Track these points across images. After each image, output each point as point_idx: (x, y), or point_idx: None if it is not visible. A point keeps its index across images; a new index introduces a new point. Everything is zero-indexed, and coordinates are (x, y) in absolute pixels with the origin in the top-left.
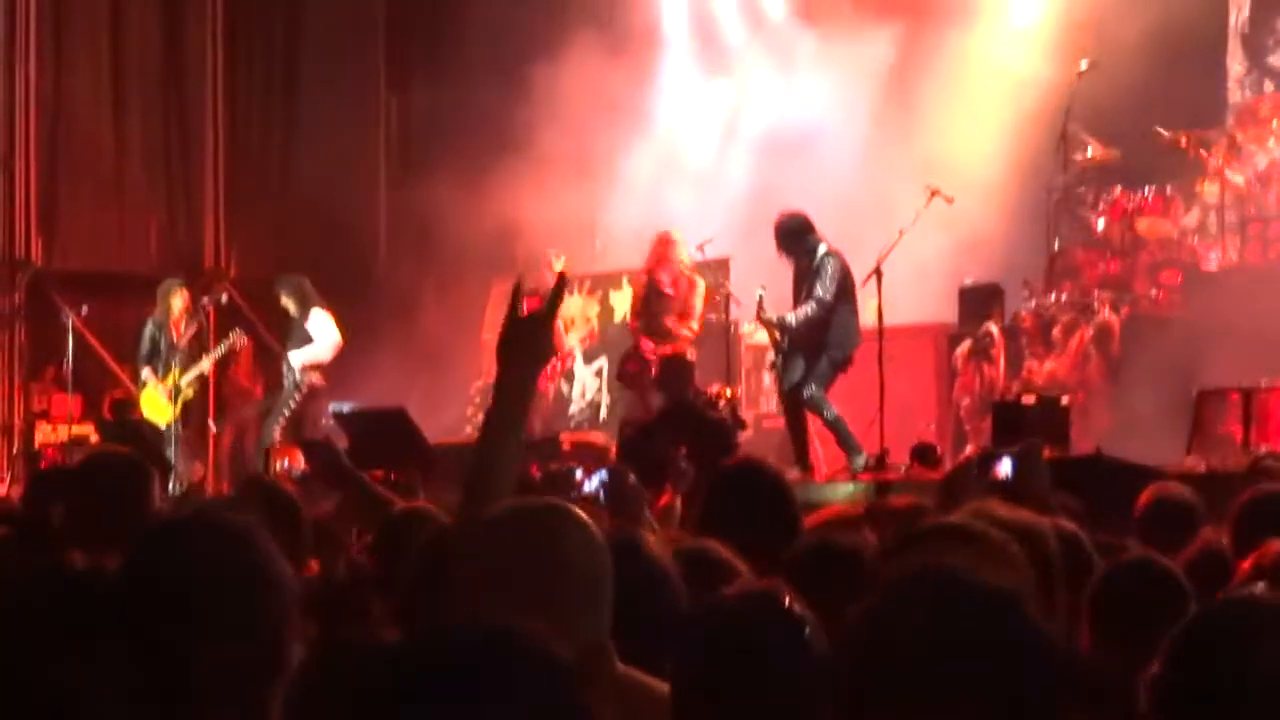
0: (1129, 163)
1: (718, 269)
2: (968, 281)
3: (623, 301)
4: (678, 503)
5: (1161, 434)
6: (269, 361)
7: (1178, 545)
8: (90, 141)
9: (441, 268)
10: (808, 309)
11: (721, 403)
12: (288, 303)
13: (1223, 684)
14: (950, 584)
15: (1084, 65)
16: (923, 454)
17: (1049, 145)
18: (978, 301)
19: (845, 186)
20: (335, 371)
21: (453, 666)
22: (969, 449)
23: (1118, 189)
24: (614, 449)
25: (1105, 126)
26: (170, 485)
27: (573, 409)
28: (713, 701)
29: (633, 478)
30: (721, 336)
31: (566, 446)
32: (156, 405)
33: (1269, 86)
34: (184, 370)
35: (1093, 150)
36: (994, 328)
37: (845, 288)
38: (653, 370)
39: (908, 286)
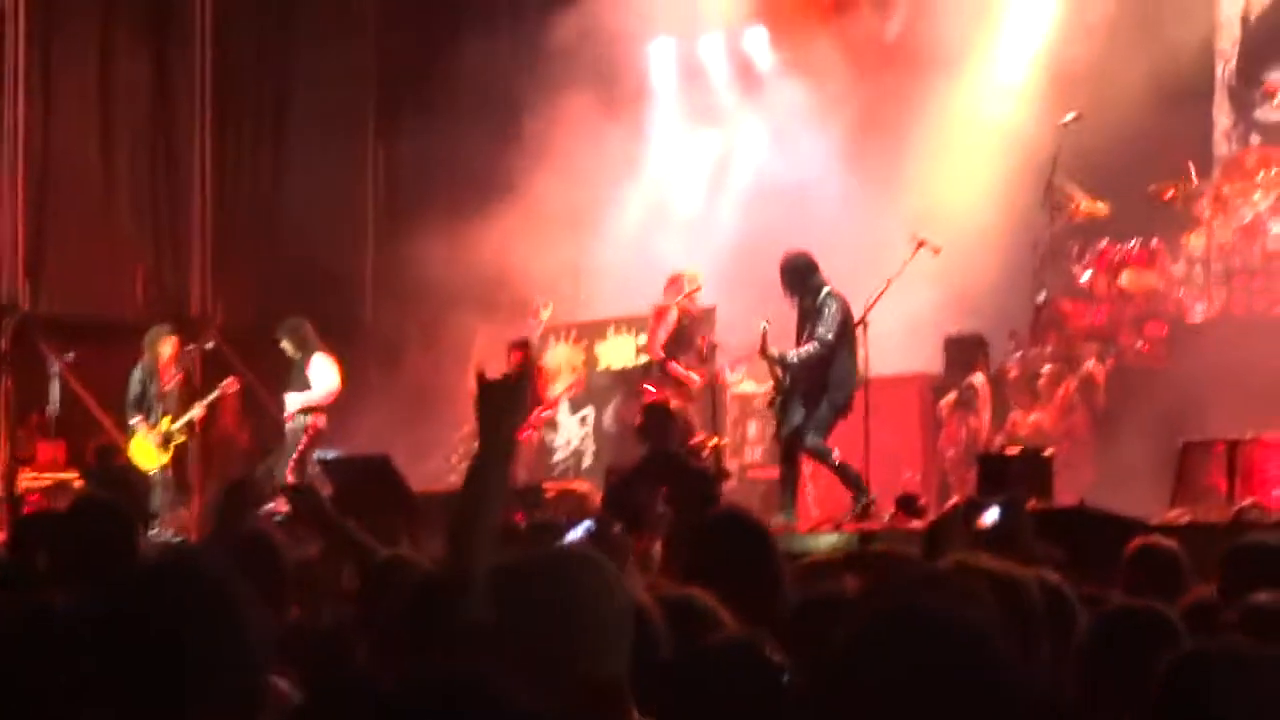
0: (1115, 215)
1: (704, 318)
2: (953, 332)
3: (609, 351)
4: (656, 547)
5: (1146, 486)
6: (255, 409)
7: (1164, 597)
8: (78, 187)
9: (428, 315)
10: (809, 348)
11: (705, 452)
12: (287, 345)
13: None
14: (922, 621)
15: (1069, 117)
16: (907, 504)
17: (1035, 197)
18: (963, 352)
19: (833, 237)
20: None
21: (438, 713)
22: (953, 499)
23: (1103, 241)
24: (598, 497)
25: (1092, 179)
26: (154, 532)
27: (557, 457)
28: None
29: (618, 527)
30: (707, 386)
31: (550, 494)
32: (147, 452)
33: (1255, 139)
34: (174, 417)
35: (1079, 203)
36: (979, 378)
37: (846, 329)
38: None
39: (894, 336)
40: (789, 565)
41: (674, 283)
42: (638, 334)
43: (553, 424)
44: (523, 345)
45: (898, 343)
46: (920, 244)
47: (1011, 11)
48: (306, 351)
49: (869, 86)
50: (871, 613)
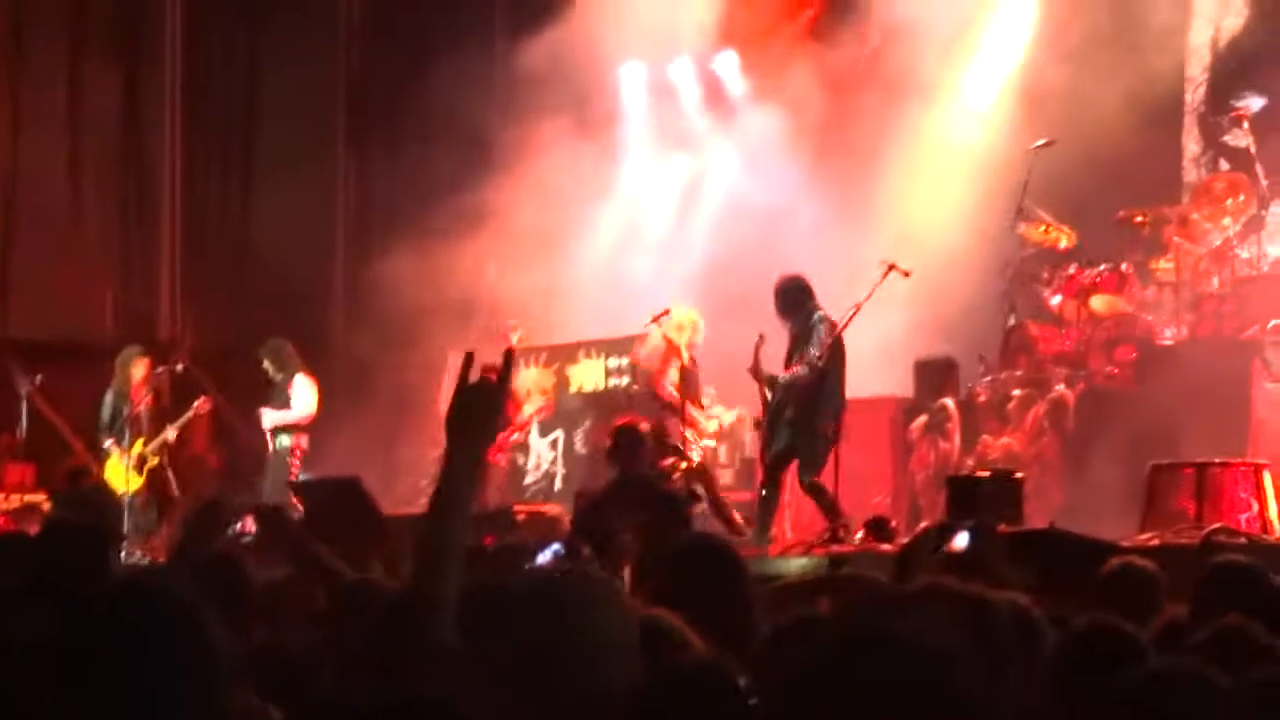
0: (1085, 239)
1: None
2: (923, 356)
3: (580, 373)
4: (625, 574)
5: (1116, 509)
6: (225, 430)
7: (1139, 617)
8: (46, 209)
9: (398, 338)
10: (799, 371)
11: (676, 475)
12: (269, 365)
13: None
14: (884, 644)
15: (1040, 142)
16: (877, 527)
17: (1006, 221)
18: (933, 376)
19: (804, 261)
20: None
21: None
22: (923, 523)
23: (1073, 265)
24: (567, 520)
25: (1063, 204)
26: (123, 554)
27: (527, 480)
28: None
29: (587, 551)
30: (677, 410)
31: (520, 517)
32: (121, 475)
33: (1224, 165)
34: (147, 439)
35: (1049, 228)
36: (949, 402)
37: (836, 353)
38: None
39: (864, 360)
40: (759, 589)
41: (666, 317)
42: (608, 357)
43: (523, 447)
44: (492, 369)
45: (868, 366)
46: (890, 268)
47: (984, 38)
48: (288, 372)
49: (840, 111)
50: (834, 636)
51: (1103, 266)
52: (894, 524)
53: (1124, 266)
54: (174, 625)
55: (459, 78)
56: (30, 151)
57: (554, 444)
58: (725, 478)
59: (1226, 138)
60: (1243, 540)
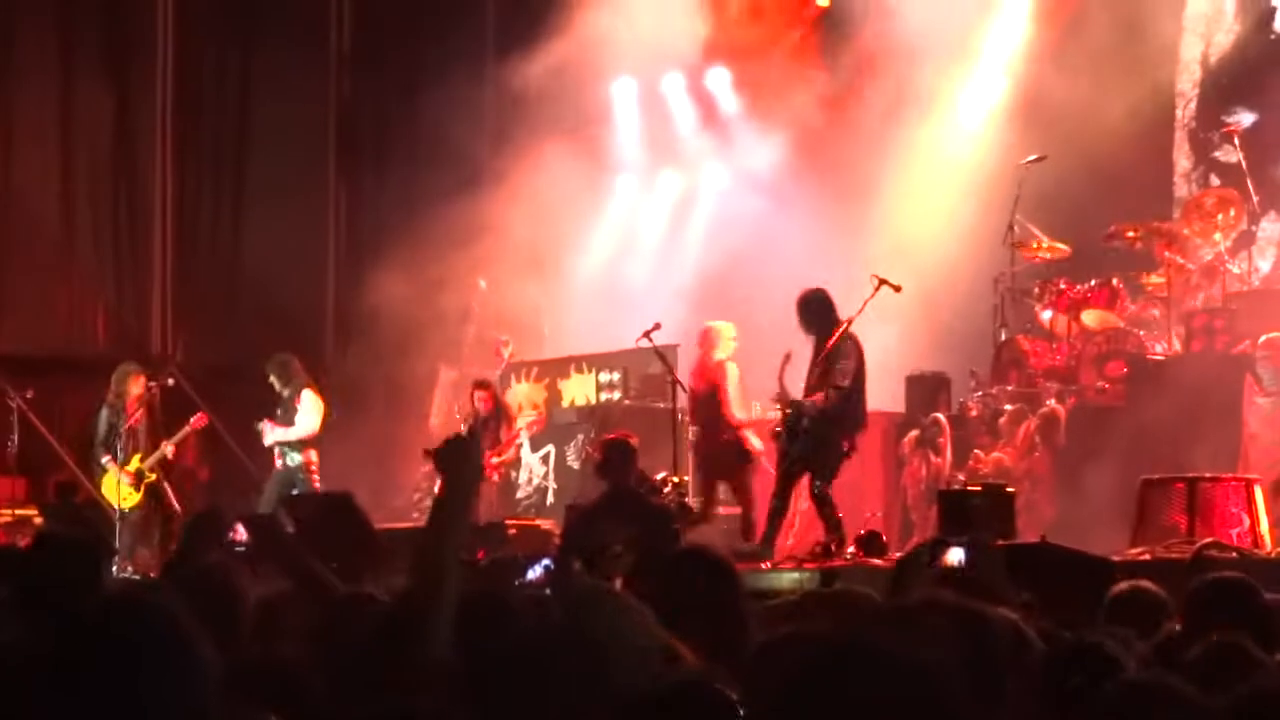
0: (1077, 255)
1: (666, 355)
2: (915, 371)
3: (571, 388)
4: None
5: (1107, 524)
6: (215, 444)
7: (1143, 638)
8: (38, 224)
9: (390, 354)
10: (827, 397)
11: (667, 489)
12: (275, 380)
13: None
14: (869, 658)
15: (1031, 158)
16: (869, 542)
17: (997, 237)
18: (925, 391)
19: (795, 276)
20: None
21: None
22: (914, 539)
23: (1064, 280)
24: (559, 535)
25: (1054, 219)
26: (115, 569)
27: (519, 494)
28: None
29: (577, 564)
30: (668, 423)
31: (513, 531)
32: (119, 491)
33: (1215, 180)
34: (143, 455)
35: (1040, 243)
36: (941, 417)
37: (860, 371)
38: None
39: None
40: (752, 603)
41: (707, 335)
42: (599, 371)
43: (515, 461)
44: (484, 385)
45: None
46: (881, 283)
47: (976, 55)
48: (294, 387)
49: (831, 126)
50: (822, 649)
51: (1094, 281)
52: (885, 538)
53: (1115, 281)
54: (164, 638)
55: (449, 100)
56: (23, 171)
57: (545, 458)
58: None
59: (1217, 153)
60: (1234, 555)
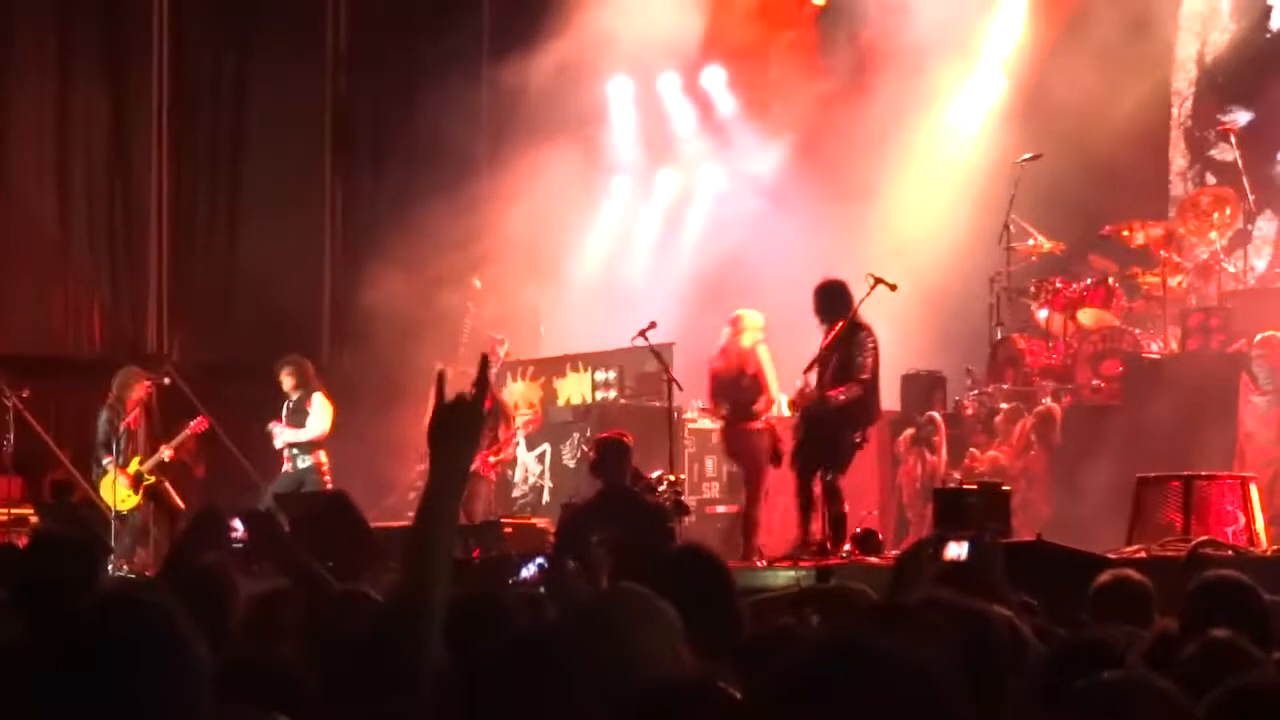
0: (1072, 253)
1: (661, 354)
2: (910, 369)
3: (567, 387)
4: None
5: (1102, 522)
6: (210, 442)
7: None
8: (34, 224)
9: (385, 354)
10: (850, 390)
11: (663, 488)
12: (286, 381)
13: None
14: (859, 657)
15: (1026, 156)
16: (865, 540)
17: (993, 235)
18: (921, 389)
19: (791, 275)
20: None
21: None
22: (910, 536)
23: (1060, 279)
24: (553, 533)
25: (1049, 217)
26: (111, 569)
27: (515, 493)
28: None
29: (571, 563)
30: (664, 421)
31: (508, 530)
32: (119, 493)
33: (1210, 179)
34: (143, 457)
35: (1036, 241)
36: (937, 415)
37: (877, 364)
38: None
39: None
40: (745, 601)
41: (738, 321)
42: (594, 370)
43: (511, 461)
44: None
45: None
46: (877, 281)
47: (972, 54)
48: (306, 390)
49: (827, 125)
50: (809, 648)
51: (1089, 280)
52: (881, 536)
53: (1111, 280)
54: (160, 637)
55: (445, 99)
56: (19, 170)
57: (541, 457)
58: (713, 490)
59: (1213, 152)
60: (1229, 553)
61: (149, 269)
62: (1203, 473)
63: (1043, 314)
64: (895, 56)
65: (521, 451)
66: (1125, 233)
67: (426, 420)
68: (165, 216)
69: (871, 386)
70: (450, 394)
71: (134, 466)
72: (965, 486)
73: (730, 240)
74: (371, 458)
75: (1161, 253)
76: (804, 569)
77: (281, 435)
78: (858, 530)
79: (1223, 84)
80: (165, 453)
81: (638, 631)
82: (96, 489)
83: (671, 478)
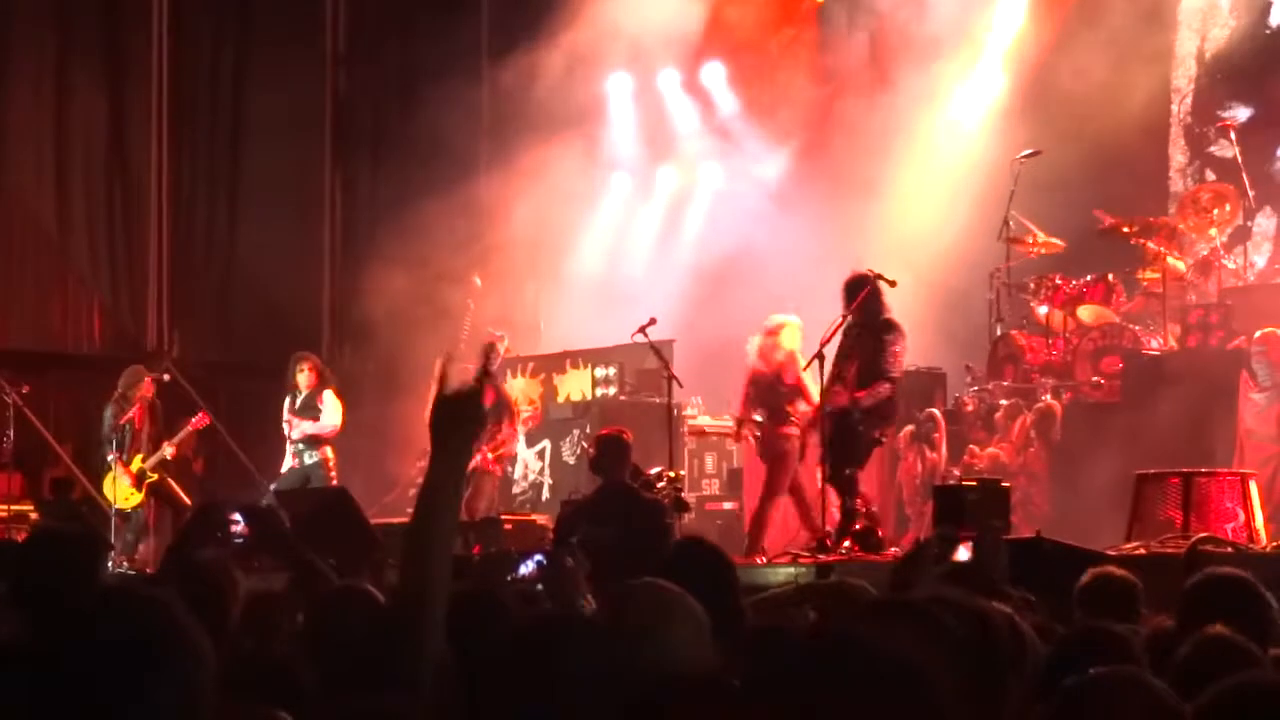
0: (1072, 250)
1: (661, 350)
2: (910, 366)
3: (567, 383)
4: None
5: (1102, 518)
6: (209, 437)
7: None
8: (34, 222)
9: (385, 351)
10: (880, 391)
11: (662, 484)
12: (302, 377)
13: None
14: (848, 650)
15: (1026, 153)
16: (865, 537)
17: (993, 232)
18: (920, 386)
19: (791, 271)
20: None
21: None
22: (910, 533)
23: (1059, 275)
24: (552, 529)
25: (1049, 214)
26: (111, 565)
27: (515, 490)
28: None
29: (570, 560)
30: (664, 418)
31: (509, 527)
32: (121, 490)
33: (1210, 175)
34: (146, 455)
35: (1035, 238)
36: (936, 412)
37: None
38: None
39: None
40: (747, 597)
41: (773, 333)
42: (594, 367)
43: (511, 457)
44: (487, 375)
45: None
46: (876, 278)
47: (973, 51)
48: (321, 385)
49: (826, 121)
50: (799, 641)
51: (1089, 276)
52: (881, 533)
53: (1110, 277)
54: (161, 632)
55: (444, 96)
56: (19, 167)
57: (541, 454)
58: (713, 487)
59: (1213, 148)
60: (1229, 550)
61: (148, 266)
62: (1202, 469)
63: (1043, 310)
64: (896, 53)
65: (521, 448)
66: (1125, 229)
67: (428, 412)
68: (165, 214)
69: (899, 386)
70: (452, 386)
71: (136, 464)
72: (965, 483)
73: (730, 237)
74: (372, 454)
75: (1161, 249)
76: (803, 566)
77: (300, 426)
78: (857, 527)
79: (1222, 80)
80: (168, 450)
81: (663, 628)
82: (98, 485)
83: (671, 474)
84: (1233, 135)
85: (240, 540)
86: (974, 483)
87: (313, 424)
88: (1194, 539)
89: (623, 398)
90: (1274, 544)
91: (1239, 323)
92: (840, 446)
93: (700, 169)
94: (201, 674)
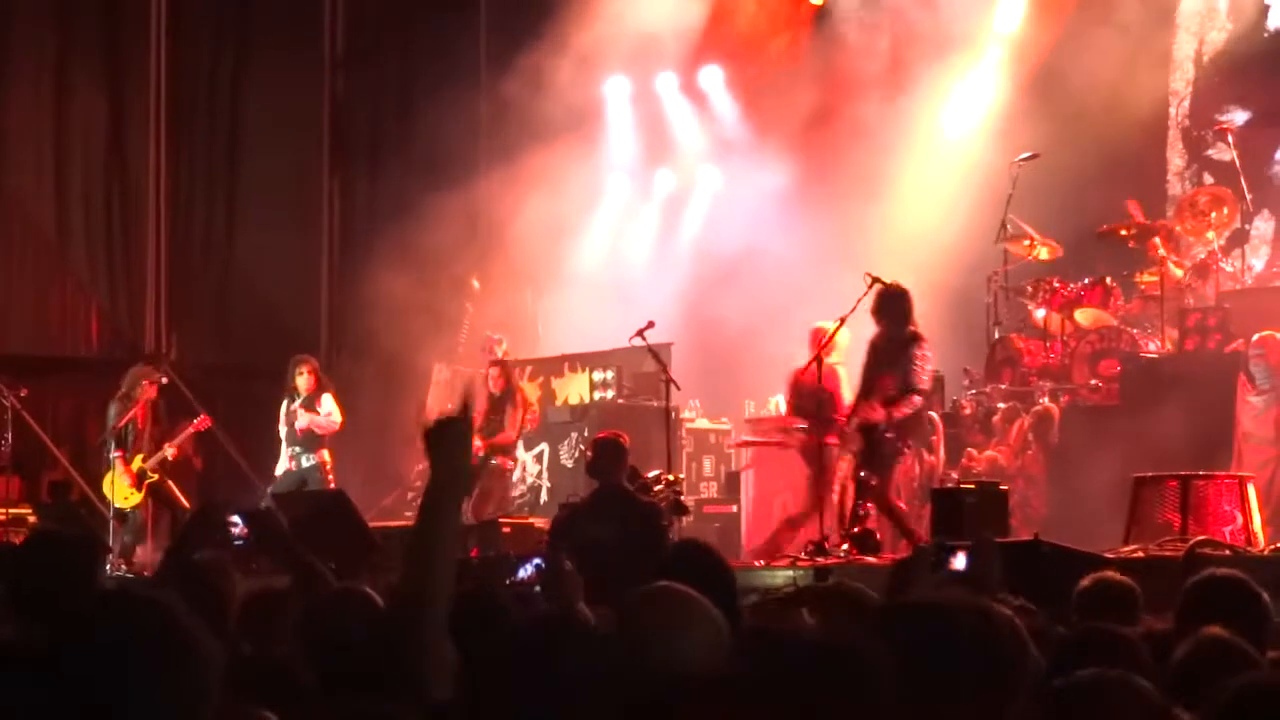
0: (1070, 253)
1: (659, 354)
2: None
3: (565, 387)
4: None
5: (1100, 521)
6: (207, 438)
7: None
8: (32, 224)
9: (384, 354)
10: (909, 404)
11: (659, 487)
12: (302, 380)
13: None
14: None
15: (1024, 156)
16: (863, 540)
17: (990, 235)
18: None
19: (789, 275)
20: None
21: None
22: (902, 540)
23: (1057, 279)
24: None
25: (1047, 217)
26: (109, 567)
27: (514, 492)
28: None
29: (568, 563)
30: (662, 421)
31: (506, 529)
32: (122, 490)
33: (1208, 179)
34: (146, 455)
35: (1033, 241)
36: (934, 415)
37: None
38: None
39: (848, 373)
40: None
41: (818, 336)
42: (593, 370)
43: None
44: (499, 363)
45: (852, 379)
46: (874, 281)
47: (971, 53)
48: (320, 388)
49: (824, 124)
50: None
51: (1087, 280)
52: (879, 536)
53: (1108, 280)
54: (162, 635)
55: (442, 99)
56: (17, 171)
57: (539, 457)
58: (711, 490)
59: (1211, 151)
60: (1227, 553)
61: (147, 269)
62: (1200, 472)
63: (1040, 313)
64: (894, 54)
65: (520, 451)
66: (1122, 232)
67: (431, 414)
68: (163, 217)
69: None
70: (446, 397)
71: (137, 463)
72: (963, 486)
73: (728, 240)
74: (370, 457)
75: (1159, 252)
76: (802, 569)
77: (303, 417)
78: (855, 530)
79: (1220, 83)
80: (168, 450)
81: (679, 631)
82: (99, 485)
83: (670, 477)
84: (1230, 138)
85: (239, 542)
86: (972, 486)
87: (315, 416)
88: (1192, 542)
89: (621, 401)
90: (1272, 546)
91: (1237, 326)
92: (870, 457)
93: (698, 172)
94: (205, 675)
